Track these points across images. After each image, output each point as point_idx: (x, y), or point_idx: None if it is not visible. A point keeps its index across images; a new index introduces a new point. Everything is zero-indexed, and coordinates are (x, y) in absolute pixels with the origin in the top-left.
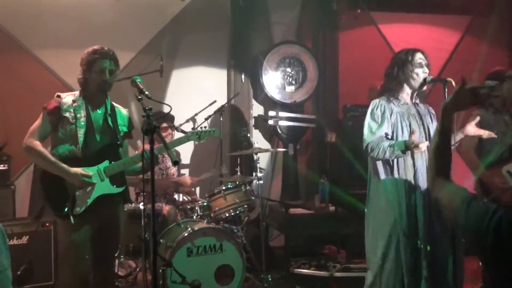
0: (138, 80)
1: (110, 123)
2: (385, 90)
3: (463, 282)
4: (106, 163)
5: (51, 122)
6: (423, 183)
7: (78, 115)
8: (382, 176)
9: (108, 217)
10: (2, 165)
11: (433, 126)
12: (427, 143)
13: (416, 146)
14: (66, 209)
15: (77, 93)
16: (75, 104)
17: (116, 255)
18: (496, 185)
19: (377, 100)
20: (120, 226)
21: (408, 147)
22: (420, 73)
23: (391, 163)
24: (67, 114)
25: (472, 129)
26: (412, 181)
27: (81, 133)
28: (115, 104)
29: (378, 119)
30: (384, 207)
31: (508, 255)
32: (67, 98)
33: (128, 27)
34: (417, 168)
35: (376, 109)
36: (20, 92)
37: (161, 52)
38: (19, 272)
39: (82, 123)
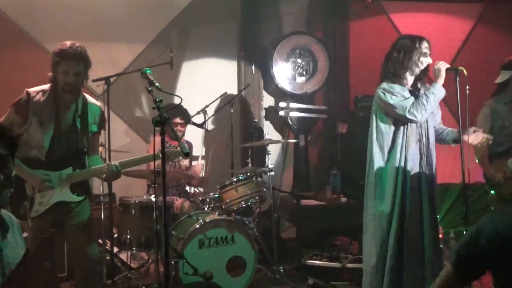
0: (148, 72)
1: (79, 126)
2: (388, 74)
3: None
4: (69, 169)
5: (17, 122)
6: (414, 171)
7: (46, 119)
8: (378, 164)
9: (66, 220)
10: None
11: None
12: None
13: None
14: (22, 211)
15: (47, 89)
16: (45, 104)
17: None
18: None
19: (384, 83)
20: (85, 212)
21: (436, 73)
22: (424, 62)
23: (385, 152)
24: (35, 116)
25: (472, 138)
26: (404, 169)
27: (47, 137)
28: (89, 99)
29: (398, 92)
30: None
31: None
32: (37, 96)
33: (138, 19)
34: (408, 156)
35: (391, 88)
36: (31, 85)
37: (171, 44)
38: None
39: (49, 127)
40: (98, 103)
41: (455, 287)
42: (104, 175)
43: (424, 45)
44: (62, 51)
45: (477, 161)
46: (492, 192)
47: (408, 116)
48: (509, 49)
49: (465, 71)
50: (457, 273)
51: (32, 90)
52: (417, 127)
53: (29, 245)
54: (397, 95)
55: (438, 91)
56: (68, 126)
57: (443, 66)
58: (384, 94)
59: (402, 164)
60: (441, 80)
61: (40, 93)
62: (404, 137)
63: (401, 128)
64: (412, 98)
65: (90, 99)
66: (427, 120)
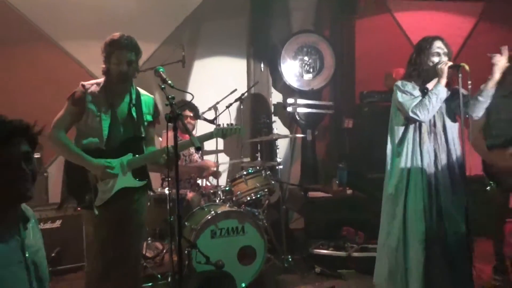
0: (161, 70)
1: (134, 115)
2: (406, 77)
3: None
4: (129, 156)
5: (75, 113)
6: (429, 166)
7: (103, 107)
8: (389, 158)
9: (130, 208)
10: (35, 154)
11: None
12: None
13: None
14: (87, 201)
15: (101, 81)
16: (100, 94)
17: (142, 241)
18: (500, 168)
19: (400, 81)
20: (143, 214)
21: (439, 73)
22: (436, 61)
23: (401, 146)
24: (91, 106)
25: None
26: (420, 164)
27: (105, 125)
28: (141, 91)
29: (409, 91)
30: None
31: None
32: (92, 88)
33: (151, 18)
34: (424, 153)
35: (404, 86)
36: (46, 81)
37: (182, 43)
38: (53, 254)
39: (106, 116)
40: (151, 95)
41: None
42: (162, 159)
43: (436, 45)
44: (114, 41)
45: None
46: (491, 183)
47: (411, 115)
48: (509, 45)
49: (467, 67)
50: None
51: (87, 83)
52: (431, 125)
53: (91, 238)
54: (407, 93)
55: (440, 91)
56: (124, 115)
57: (445, 65)
58: (396, 91)
59: (412, 160)
60: (443, 80)
61: (95, 85)
62: (417, 133)
63: (412, 125)
64: (420, 98)
65: (142, 91)
66: (444, 120)
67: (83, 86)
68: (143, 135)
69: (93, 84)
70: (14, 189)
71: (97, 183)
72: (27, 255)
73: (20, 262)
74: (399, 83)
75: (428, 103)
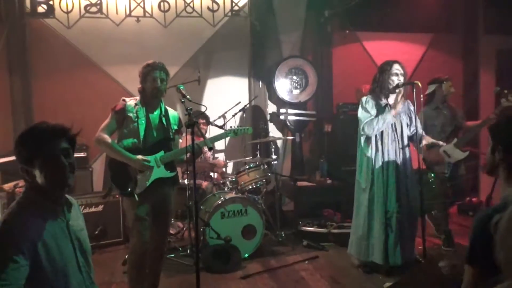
0: (182, 87)
1: (164, 122)
2: (371, 91)
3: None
4: (161, 153)
5: (117, 120)
6: (392, 158)
7: (140, 115)
8: (366, 153)
9: (163, 196)
10: (82, 153)
11: (405, 120)
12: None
13: (394, 106)
14: (129, 189)
15: (138, 98)
16: (137, 107)
17: (170, 223)
18: (432, 160)
19: (365, 97)
20: (172, 203)
21: (394, 104)
22: (395, 80)
23: (370, 141)
24: (130, 114)
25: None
26: (381, 161)
27: (141, 129)
28: (168, 108)
29: (367, 109)
30: (365, 177)
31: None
32: (131, 101)
33: (174, 47)
34: (385, 147)
35: (366, 104)
36: (94, 98)
37: (198, 66)
38: (96, 232)
39: (143, 122)
40: (176, 112)
41: (477, 282)
42: (184, 156)
43: (395, 67)
44: (150, 64)
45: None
46: (432, 175)
47: (361, 129)
48: (452, 68)
49: (419, 84)
50: (473, 267)
51: (127, 98)
52: (393, 132)
53: (133, 218)
54: (365, 110)
55: (387, 118)
56: (156, 122)
57: (399, 102)
58: (359, 106)
59: (375, 158)
60: (394, 112)
61: (133, 100)
62: (379, 137)
63: None
64: (373, 116)
65: (168, 108)
66: (402, 129)
67: (124, 100)
68: (171, 137)
69: (131, 100)
70: (57, 177)
71: (136, 175)
72: (71, 233)
73: (66, 237)
74: (363, 99)
75: (375, 124)
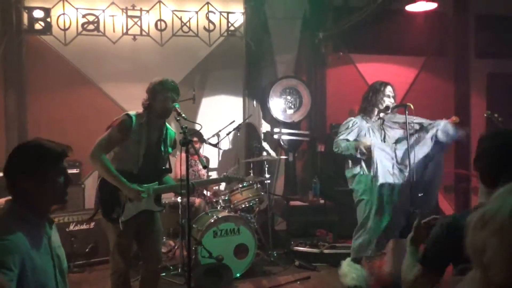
0: (177, 105)
1: (162, 149)
2: (361, 110)
3: None
4: (155, 184)
5: (118, 139)
6: (382, 172)
7: (142, 139)
8: (355, 170)
9: (147, 224)
10: (75, 169)
11: (395, 132)
12: (370, 143)
13: (361, 148)
14: (115, 216)
15: (141, 114)
16: (142, 127)
17: (161, 243)
18: None
19: (353, 118)
20: (158, 220)
21: (356, 148)
22: (387, 101)
23: (357, 160)
24: (134, 136)
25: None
26: (375, 172)
27: (141, 155)
28: (167, 125)
29: (347, 129)
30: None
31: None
32: (136, 119)
33: (169, 65)
34: (375, 162)
35: (349, 122)
36: (89, 114)
37: (193, 85)
38: (87, 250)
39: (143, 147)
40: (173, 130)
41: (426, 283)
42: (181, 191)
43: (388, 89)
44: (163, 82)
45: None
46: None
47: (334, 146)
48: (444, 91)
49: (411, 106)
50: (425, 268)
51: (131, 113)
52: (391, 150)
53: (114, 245)
54: (343, 130)
55: (353, 154)
56: (154, 151)
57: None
58: (343, 124)
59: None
60: (363, 156)
61: (138, 117)
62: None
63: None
64: (346, 139)
65: (167, 125)
66: (400, 147)
67: (130, 116)
68: (167, 168)
69: (136, 115)
70: (56, 195)
71: (125, 203)
72: (52, 249)
73: (48, 253)
74: (349, 119)
75: (340, 148)
